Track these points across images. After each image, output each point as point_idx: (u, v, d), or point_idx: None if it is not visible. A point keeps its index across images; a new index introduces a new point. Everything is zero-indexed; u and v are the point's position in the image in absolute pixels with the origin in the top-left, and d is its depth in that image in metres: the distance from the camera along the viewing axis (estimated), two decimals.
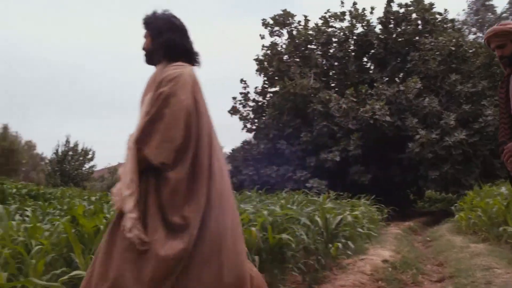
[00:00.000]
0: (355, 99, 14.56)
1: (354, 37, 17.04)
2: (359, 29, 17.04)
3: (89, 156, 30.93)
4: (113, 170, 36.90)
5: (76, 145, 29.84)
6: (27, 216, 4.39)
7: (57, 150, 28.98)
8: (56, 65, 71.94)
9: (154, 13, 2.12)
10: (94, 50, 75.24)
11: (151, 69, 2.11)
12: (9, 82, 57.41)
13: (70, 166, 29.15)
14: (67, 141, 29.43)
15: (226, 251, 1.88)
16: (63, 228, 3.17)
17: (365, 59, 17.90)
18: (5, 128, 28.96)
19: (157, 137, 1.87)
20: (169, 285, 1.79)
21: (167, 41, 2.06)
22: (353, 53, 17.09)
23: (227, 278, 1.85)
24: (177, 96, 1.91)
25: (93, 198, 7.83)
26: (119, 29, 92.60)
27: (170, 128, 1.88)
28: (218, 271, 1.83)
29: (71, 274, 2.70)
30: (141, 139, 1.89)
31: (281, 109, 16.07)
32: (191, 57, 2.12)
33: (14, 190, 11.14)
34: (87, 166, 31.00)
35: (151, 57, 2.13)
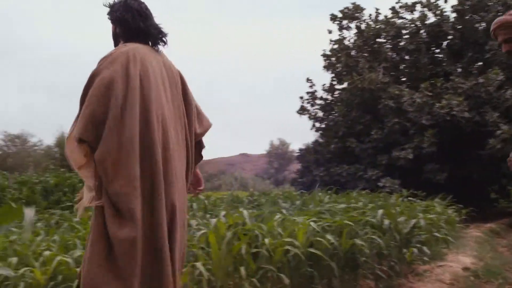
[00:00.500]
0: (430, 93, 13.88)
1: (426, 28, 16.24)
2: (431, 19, 16.22)
3: None
4: None
5: None
6: None
7: None
8: None
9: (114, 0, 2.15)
10: None
11: None
12: None
13: None
14: None
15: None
16: None
17: (438, 51, 17.00)
18: None
19: (80, 117, 1.84)
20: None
21: (120, 22, 2.09)
22: (425, 45, 16.31)
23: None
24: (101, 74, 1.87)
25: None
26: None
27: (88, 106, 1.83)
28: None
29: None
30: (73, 124, 1.89)
31: (349, 105, 15.73)
32: (147, 37, 2.10)
33: None
34: None
35: (116, 42, 2.17)
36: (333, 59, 17.13)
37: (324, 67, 17.26)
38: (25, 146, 38.09)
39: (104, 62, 1.93)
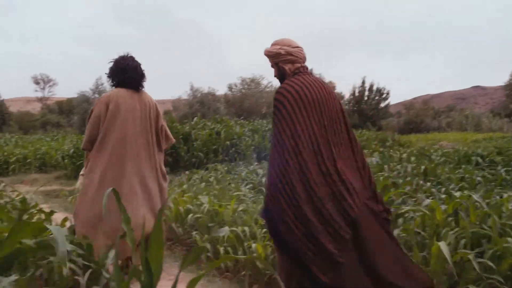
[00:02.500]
0: None
1: None
2: None
3: (384, 95, 31.43)
4: (408, 106, 36.50)
5: (372, 85, 30.74)
6: None
7: (354, 91, 30.65)
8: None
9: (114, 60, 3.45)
10: None
11: None
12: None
13: (367, 105, 30.41)
14: (363, 82, 30.65)
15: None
16: None
17: None
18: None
19: (85, 136, 3.40)
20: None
21: (111, 76, 3.44)
22: None
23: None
24: (94, 110, 3.36)
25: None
26: None
27: (88, 129, 3.36)
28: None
29: None
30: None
31: None
32: (126, 85, 3.39)
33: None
34: (382, 105, 31.68)
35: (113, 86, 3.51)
36: None
37: None
38: (258, 89, 42.11)
39: (98, 102, 3.39)
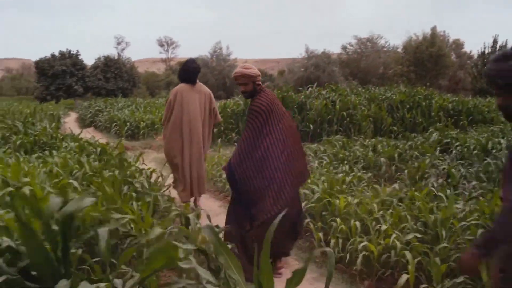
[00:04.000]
0: None
1: None
2: None
3: None
4: None
5: (504, 45, 27.38)
6: None
7: (483, 52, 27.59)
8: None
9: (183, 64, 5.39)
10: None
11: None
12: None
13: None
14: (494, 42, 27.39)
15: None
16: None
17: None
18: (433, 30, 29.76)
19: (163, 115, 5.22)
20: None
21: (179, 76, 5.23)
22: None
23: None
24: (169, 98, 5.11)
25: None
26: None
27: (166, 110, 5.16)
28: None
29: None
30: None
31: None
32: (187, 82, 5.06)
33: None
34: None
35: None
36: None
37: None
38: (374, 49, 40.20)
39: (171, 93, 5.14)
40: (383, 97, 13.43)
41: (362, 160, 7.13)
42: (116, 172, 4.23)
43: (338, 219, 4.06)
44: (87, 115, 20.54)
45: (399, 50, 35.09)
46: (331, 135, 12.04)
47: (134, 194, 3.76)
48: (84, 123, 20.58)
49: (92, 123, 18.96)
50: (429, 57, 26.81)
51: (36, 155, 5.71)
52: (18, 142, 6.50)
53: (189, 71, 5.03)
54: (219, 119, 5.32)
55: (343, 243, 3.91)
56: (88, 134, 13.92)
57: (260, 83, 3.56)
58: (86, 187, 3.79)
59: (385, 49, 39.90)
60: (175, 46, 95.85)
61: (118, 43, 66.64)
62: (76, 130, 16.82)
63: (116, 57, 46.92)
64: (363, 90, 14.99)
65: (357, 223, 3.89)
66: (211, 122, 5.20)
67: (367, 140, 9.24)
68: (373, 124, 12.44)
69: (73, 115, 28.89)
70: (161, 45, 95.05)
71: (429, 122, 12.18)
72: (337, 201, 4.37)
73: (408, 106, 12.82)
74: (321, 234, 4.14)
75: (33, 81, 51.64)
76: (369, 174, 6.36)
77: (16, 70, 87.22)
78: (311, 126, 11.81)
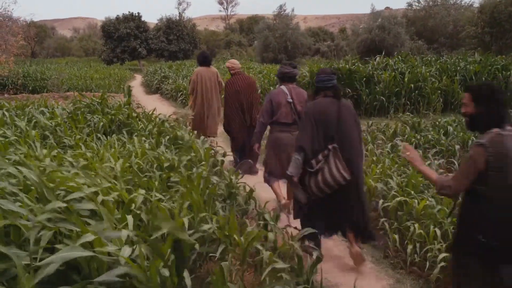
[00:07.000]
0: None
1: None
2: None
3: None
4: None
5: None
6: None
7: None
8: None
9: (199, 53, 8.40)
10: None
11: None
12: None
13: None
14: None
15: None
16: None
17: None
18: None
19: (189, 88, 7.62)
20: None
21: (198, 60, 7.70)
22: None
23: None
24: (192, 77, 7.42)
25: None
26: None
27: (190, 85, 7.46)
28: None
29: None
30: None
31: None
32: (203, 65, 7.31)
33: None
34: None
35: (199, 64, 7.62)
36: None
37: None
38: (445, 5, 37.60)
39: (193, 74, 7.42)
40: (458, 68, 12.73)
41: (436, 148, 6.90)
42: (201, 170, 3.94)
43: (416, 225, 4.01)
44: (153, 82, 21.09)
45: (475, 5, 32.47)
46: (398, 108, 11.70)
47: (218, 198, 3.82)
48: (150, 89, 21.20)
49: (158, 90, 19.50)
50: (508, 17, 24.56)
51: (116, 137, 5.26)
52: (101, 124, 5.81)
53: (207, 58, 7.39)
54: (222, 86, 7.32)
55: (420, 247, 3.89)
56: (155, 103, 14.39)
57: (233, 72, 6.46)
58: (165, 188, 3.56)
59: (456, 4, 37.21)
60: (235, 4, 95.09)
61: (179, 3, 66.98)
62: (142, 97, 17.47)
63: (177, 18, 47.34)
64: (434, 60, 14.25)
65: (437, 230, 3.84)
66: (217, 89, 7.40)
67: (439, 120, 8.91)
68: (443, 97, 11.92)
69: (138, 79, 29.77)
70: (221, 3, 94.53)
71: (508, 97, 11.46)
72: (415, 201, 4.31)
73: (483, 78, 12.10)
74: (396, 237, 4.12)
75: (99, 41, 53.48)
76: (442, 160, 6.20)
77: (83, 30, 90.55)
78: (379, 98, 11.51)
